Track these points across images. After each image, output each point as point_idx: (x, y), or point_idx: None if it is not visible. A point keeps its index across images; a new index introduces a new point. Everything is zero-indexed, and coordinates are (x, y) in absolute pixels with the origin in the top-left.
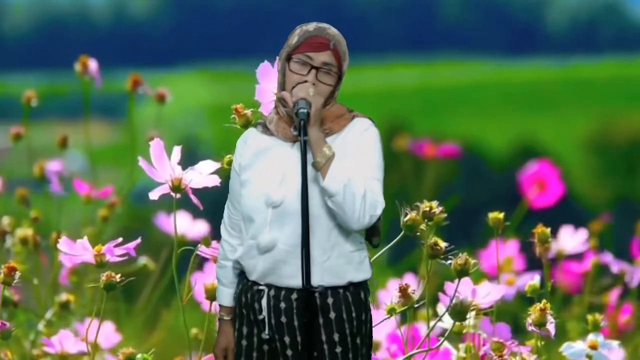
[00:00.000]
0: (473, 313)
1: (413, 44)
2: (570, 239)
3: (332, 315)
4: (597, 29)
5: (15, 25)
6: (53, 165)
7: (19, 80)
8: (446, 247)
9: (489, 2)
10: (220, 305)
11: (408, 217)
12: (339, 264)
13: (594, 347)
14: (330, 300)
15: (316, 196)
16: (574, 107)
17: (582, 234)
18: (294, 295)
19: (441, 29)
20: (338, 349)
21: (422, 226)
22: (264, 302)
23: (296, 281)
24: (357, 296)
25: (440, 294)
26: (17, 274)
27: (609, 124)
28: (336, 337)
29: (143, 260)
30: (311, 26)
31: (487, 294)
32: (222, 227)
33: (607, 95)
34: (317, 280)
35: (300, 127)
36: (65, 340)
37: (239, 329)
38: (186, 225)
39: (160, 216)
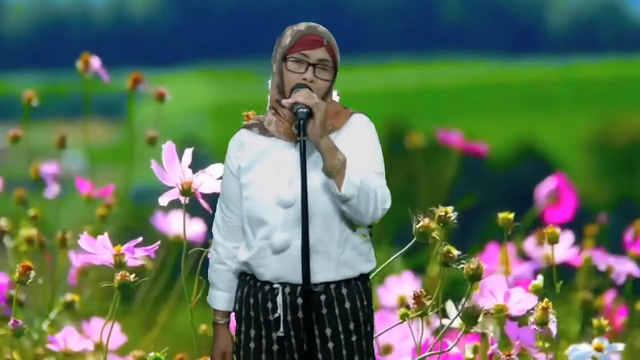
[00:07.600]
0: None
1: (413, 44)
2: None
3: (347, 304)
4: (597, 29)
5: (15, 25)
6: (49, 167)
7: (19, 80)
8: (459, 255)
9: (489, 2)
10: (214, 309)
11: (420, 224)
12: (352, 255)
13: (599, 349)
14: (344, 291)
15: (327, 195)
16: (574, 107)
17: (568, 237)
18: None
19: (441, 29)
20: (353, 338)
21: (435, 233)
22: (279, 299)
23: (311, 277)
24: (365, 285)
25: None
26: (32, 273)
27: (609, 124)
28: (352, 325)
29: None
30: (302, 26)
31: (519, 300)
32: (214, 230)
33: (607, 95)
34: (331, 276)
35: (300, 126)
36: (69, 338)
37: (245, 331)
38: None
39: (157, 215)
